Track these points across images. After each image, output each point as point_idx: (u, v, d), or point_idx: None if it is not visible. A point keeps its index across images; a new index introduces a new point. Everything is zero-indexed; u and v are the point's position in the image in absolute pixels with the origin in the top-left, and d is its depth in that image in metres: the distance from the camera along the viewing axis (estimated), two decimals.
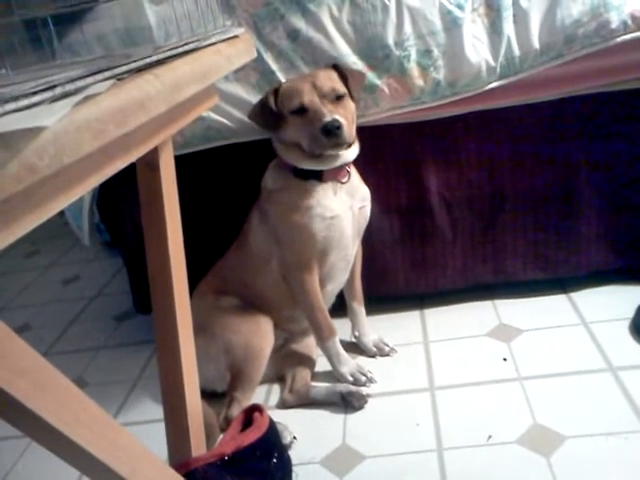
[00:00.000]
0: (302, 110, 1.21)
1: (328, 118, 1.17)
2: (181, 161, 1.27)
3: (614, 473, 1.00)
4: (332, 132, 1.16)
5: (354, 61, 1.31)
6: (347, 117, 1.22)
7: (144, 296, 1.40)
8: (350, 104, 1.25)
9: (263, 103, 1.25)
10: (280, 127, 1.25)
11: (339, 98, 1.22)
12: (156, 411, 1.13)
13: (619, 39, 1.25)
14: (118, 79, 0.53)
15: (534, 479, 1.02)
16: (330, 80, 1.23)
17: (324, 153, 1.22)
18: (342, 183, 1.28)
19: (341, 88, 1.23)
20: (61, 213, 1.83)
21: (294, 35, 1.31)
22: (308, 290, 1.30)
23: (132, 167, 0.84)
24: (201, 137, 1.36)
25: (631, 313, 1.37)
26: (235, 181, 1.45)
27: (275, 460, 0.96)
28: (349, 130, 1.20)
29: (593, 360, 1.27)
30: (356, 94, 1.27)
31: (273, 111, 1.24)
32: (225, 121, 1.35)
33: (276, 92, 1.25)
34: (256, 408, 1.03)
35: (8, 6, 0.81)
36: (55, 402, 0.55)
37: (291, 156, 1.27)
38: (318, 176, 1.26)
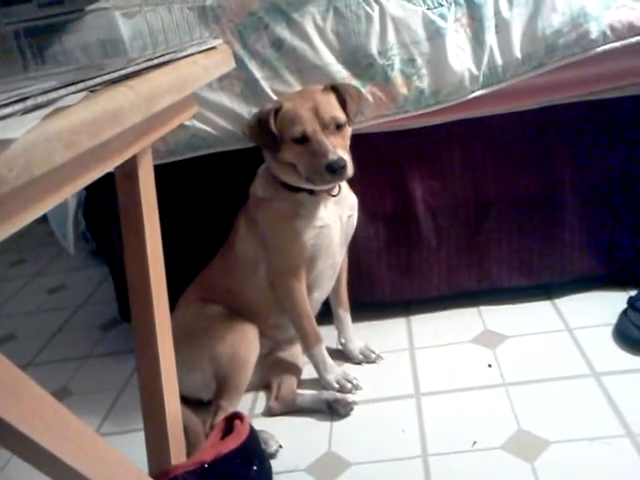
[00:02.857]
0: (304, 139, 1.18)
1: (333, 157, 1.14)
2: (166, 170, 1.28)
3: (598, 478, 1.00)
4: (337, 172, 1.15)
5: (338, 70, 1.32)
6: (346, 147, 1.21)
7: None
8: (348, 131, 1.24)
9: (261, 121, 1.22)
10: (279, 149, 1.22)
11: (339, 127, 1.20)
12: (142, 420, 1.12)
13: (599, 49, 1.27)
14: (91, 91, 0.53)
15: None
16: (331, 107, 1.21)
17: (323, 185, 1.22)
18: (333, 196, 1.29)
19: (342, 116, 1.21)
20: (46, 221, 1.82)
21: (279, 44, 1.32)
22: (296, 297, 1.30)
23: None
24: (185, 145, 1.36)
25: (614, 319, 1.38)
26: (220, 189, 1.45)
27: (255, 467, 0.96)
28: (350, 164, 1.18)
29: (577, 366, 1.28)
30: (354, 116, 1.25)
31: (272, 132, 1.21)
32: (209, 129, 1.35)
33: (276, 113, 1.21)
34: (237, 416, 1.03)
35: None
36: (29, 411, 0.55)
37: (285, 175, 1.25)
38: (309, 190, 1.25)
